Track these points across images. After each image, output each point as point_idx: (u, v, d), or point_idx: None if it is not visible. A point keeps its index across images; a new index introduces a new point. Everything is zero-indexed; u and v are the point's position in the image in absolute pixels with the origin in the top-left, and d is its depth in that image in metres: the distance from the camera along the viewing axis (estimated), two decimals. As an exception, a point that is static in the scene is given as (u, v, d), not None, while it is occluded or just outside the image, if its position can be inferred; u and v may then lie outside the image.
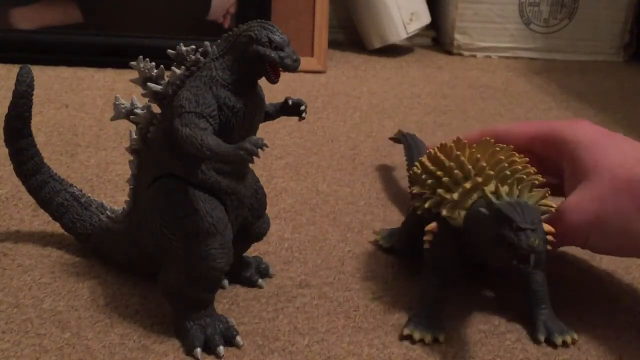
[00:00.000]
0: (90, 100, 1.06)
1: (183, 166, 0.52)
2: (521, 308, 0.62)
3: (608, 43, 1.49)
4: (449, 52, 1.47)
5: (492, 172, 0.55)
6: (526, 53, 1.48)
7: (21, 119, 0.61)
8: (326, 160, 0.90)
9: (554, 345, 0.57)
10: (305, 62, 1.26)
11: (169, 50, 0.52)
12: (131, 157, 0.57)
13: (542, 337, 0.58)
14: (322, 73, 1.28)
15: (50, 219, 0.65)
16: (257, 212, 0.59)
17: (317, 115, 1.06)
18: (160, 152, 0.53)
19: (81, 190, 0.65)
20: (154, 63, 0.53)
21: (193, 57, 0.51)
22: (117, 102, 0.55)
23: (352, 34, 1.48)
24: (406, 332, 0.57)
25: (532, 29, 1.46)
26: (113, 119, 0.56)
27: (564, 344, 0.57)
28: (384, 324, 0.59)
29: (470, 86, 1.27)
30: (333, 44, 1.39)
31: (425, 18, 1.43)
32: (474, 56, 1.47)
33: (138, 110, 0.55)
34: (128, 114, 0.55)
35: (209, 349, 0.53)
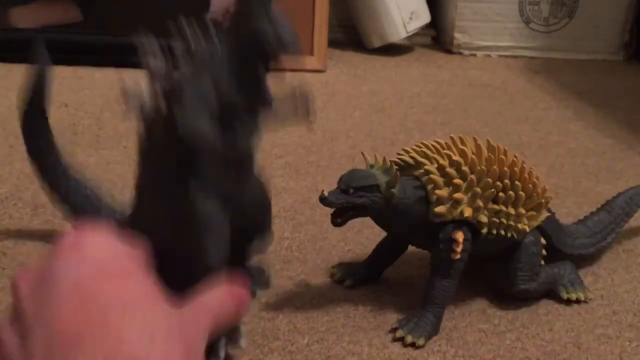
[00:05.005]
0: (89, 99, 1.06)
1: (183, 160, 0.52)
2: (521, 307, 0.62)
3: (608, 42, 1.49)
4: (449, 51, 1.47)
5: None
6: (526, 52, 1.47)
7: (41, 116, 0.61)
8: (326, 160, 0.90)
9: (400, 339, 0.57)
10: (305, 61, 1.26)
11: (176, 44, 0.51)
12: (137, 155, 0.56)
13: (399, 333, 0.57)
14: (321, 72, 1.28)
15: (50, 218, 0.65)
16: (256, 222, 0.57)
17: (317, 115, 1.06)
18: (163, 148, 0.53)
19: (94, 191, 0.65)
20: (156, 45, 0.52)
21: (202, 55, 0.50)
22: (128, 93, 0.54)
23: (352, 33, 1.47)
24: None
25: (532, 27, 1.46)
26: (125, 115, 0.54)
27: (403, 340, 0.57)
28: (384, 323, 0.59)
29: (470, 85, 1.27)
30: (333, 43, 1.39)
31: (424, 17, 1.42)
32: (474, 55, 1.46)
33: (146, 105, 0.54)
34: (138, 109, 0.54)
35: (210, 349, 0.53)
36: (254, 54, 0.50)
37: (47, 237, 0.68)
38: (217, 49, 0.50)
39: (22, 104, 0.61)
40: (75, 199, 0.64)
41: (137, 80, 0.54)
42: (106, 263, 0.33)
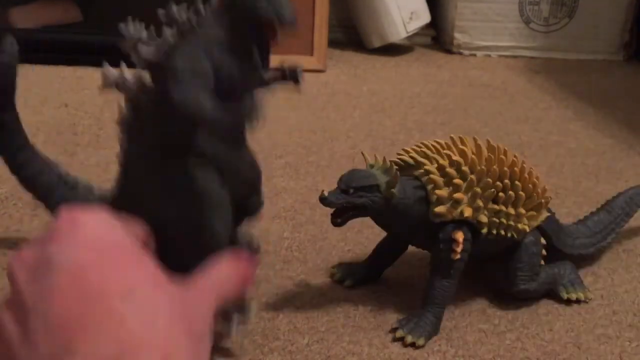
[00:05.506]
0: (89, 99, 1.06)
1: (177, 134, 0.50)
2: (521, 307, 0.62)
3: (608, 42, 1.49)
4: (449, 51, 1.47)
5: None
6: (526, 52, 1.47)
7: (5, 91, 0.58)
8: (326, 160, 0.90)
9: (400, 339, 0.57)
10: (305, 61, 1.25)
11: (159, 10, 0.49)
12: (121, 131, 0.53)
13: (399, 333, 0.57)
14: (321, 72, 1.28)
15: (49, 215, 0.65)
16: (252, 187, 0.56)
17: (317, 115, 1.06)
18: (154, 122, 0.50)
19: (67, 171, 0.63)
20: (143, 24, 0.50)
21: (186, 22, 0.49)
22: (106, 72, 0.52)
23: (352, 33, 1.47)
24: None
25: (532, 27, 1.46)
26: (101, 88, 0.52)
27: (403, 340, 0.57)
28: (384, 323, 0.59)
29: (470, 85, 1.27)
30: (333, 43, 1.39)
31: (425, 17, 1.42)
32: (474, 55, 1.46)
33: (128, 81, 0.51)
34: (117, 85, 0.52)
35: (221, 323, 0.51)
36: (247, 25, 0.48)
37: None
38: (208, 19, 0.49)
39: None
40: (48, 180, 0.62)
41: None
42: (104, 245, 0.33)
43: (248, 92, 0.51)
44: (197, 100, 0.46)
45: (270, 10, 0.47)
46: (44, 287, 0.31)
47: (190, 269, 0.43)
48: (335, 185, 0.56)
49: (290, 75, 0.53)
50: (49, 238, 0.33)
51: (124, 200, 0.55)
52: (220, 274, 0.37)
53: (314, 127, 1.01)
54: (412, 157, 0.59)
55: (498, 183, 0.58)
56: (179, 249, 0.50)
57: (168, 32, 0.49)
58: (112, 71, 0.51)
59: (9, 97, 0.59)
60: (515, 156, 0.60)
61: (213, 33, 0.48)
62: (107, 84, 0.51)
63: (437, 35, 1.53)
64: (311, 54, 1.28)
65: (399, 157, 0.60)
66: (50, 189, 0.62)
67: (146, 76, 0.51)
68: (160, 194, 0.51)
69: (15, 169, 0.62)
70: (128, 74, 0.52)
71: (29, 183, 0.62)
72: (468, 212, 0.57)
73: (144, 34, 0.50)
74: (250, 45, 0.50)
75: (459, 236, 0.57)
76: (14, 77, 0.58)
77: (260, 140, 0.51)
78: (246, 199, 0.56)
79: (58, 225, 0.33)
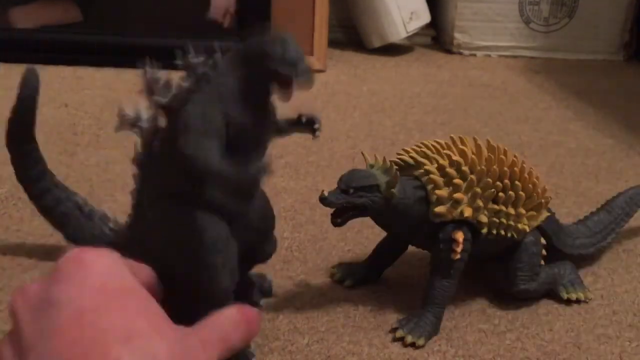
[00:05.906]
0: (89, 99, 1.06)
1: (188, 184, 0.49)
2: (521, 307, 0.62)
3: (608, 42, 1.49)
4: (449, 51, 1.47)
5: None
6: (526, 52, 1.47)
7: (26, 123, 0.59)
8: (326, 160, 0.90)
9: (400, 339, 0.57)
10: (305, 61, 1.26)
11: (178, 62, 0.49)
12: (135, 170, 0.53)
13: (399, 333, 0.57)
14: (321, 72, 1.28)
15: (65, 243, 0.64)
16: (263, 235, 0.56)
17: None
18: (164, 167, 0.50)
19: (85, 200, 0.63)
20: (161, 72, 0.49)
21: (202, 70, 0.48)
22: (122, 113, 0.52)
23: (352, 33, 1.47)
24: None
25: (532, 27, 1.46)
26: (117, 130, 0.52)
27: (403, 340, 0.57)
28: (384, 323, 0.59)
29: (470, 85, 1.27)
30: (333, 43, 1.39)
31: (425, 17, 1.42)
32: (474, 55, 1.46)
33: (143, 122, 0.51)
34: (132, 125, 0.51)
35: None
36: (263, 78, 0.48)
37: (47, 236, 0.68)
38: (224, 69, 0.48)
39: (9, 123, 0.59)
40: (65, 210, 0.62)
41: (130, 83, 0.53)
42: (108, 288, 0.33)
43: (261, 143, 0.51)
44: (204, 155, 0.46)
45: (287, 66, 0.47)
46: (44, 327, 0.31)
47: (195, 317, 0.42)
48: (335, 185, 0.56)
49: (308, 126, 0.54)
50: (53, 277, 0.33)
51: (134, 241, 0.54)
52: (225, 323, 0.37)
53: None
54: (412, 157, 0.59)
55: (498, 183, 0.58)
56: (185, 297, 0.49)
57: (184, 79, 0.49)
58: (129, 111, 0.51)
59: (31, 129, 0.60)
60: (515, 156, 0.60)
61: (228, 84, 0.48)
62: (123, 124, 0.51)
63: (437, 35, 1.53)
64: (311, 54, 1.28)
65: (399, 157, 0.60)
66: (67, 219, 0.62)
67: (161, 119, 0.51)
68: (167, 240, 0.51)
69: (34, 197, 0.63)
70: (144, 115, 0.51)
71: (47, 212, 0.63)
72: (468, 212, 0.57)
73: (161, 76, 0.50)
74: (265, 97, 0.50)
75: (459, 236, 0.57)
76: (35, 108, 0.59)
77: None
78: (257, 246, 0.56)
79: (64, 265, 0.33)
